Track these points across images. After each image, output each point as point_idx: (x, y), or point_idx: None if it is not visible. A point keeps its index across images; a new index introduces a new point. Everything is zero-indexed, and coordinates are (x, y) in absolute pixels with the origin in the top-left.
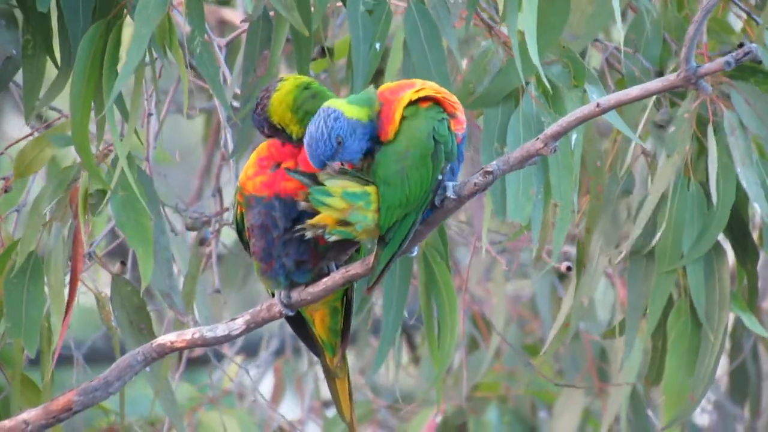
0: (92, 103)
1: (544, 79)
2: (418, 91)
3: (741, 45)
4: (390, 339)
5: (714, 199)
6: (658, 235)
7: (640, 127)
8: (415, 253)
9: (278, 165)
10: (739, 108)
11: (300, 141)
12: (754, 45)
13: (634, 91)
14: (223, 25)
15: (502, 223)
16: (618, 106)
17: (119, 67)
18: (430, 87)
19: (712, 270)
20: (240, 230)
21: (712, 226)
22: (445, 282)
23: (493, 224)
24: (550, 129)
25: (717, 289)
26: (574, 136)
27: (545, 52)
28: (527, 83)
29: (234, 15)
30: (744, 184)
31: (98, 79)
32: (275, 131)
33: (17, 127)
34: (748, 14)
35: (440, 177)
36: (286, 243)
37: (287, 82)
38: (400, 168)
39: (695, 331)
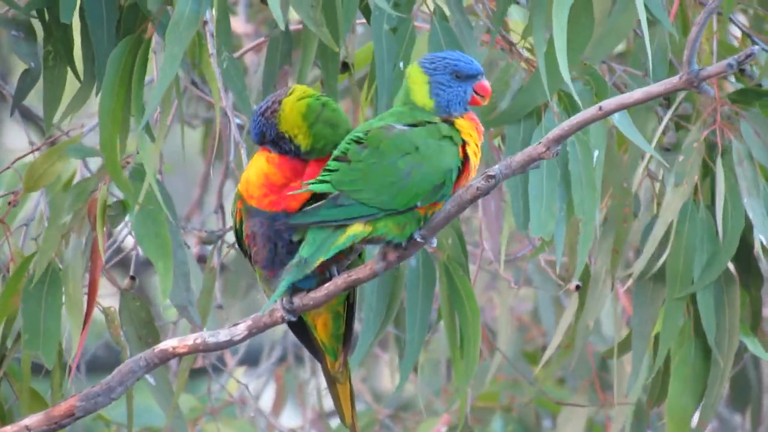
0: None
1: (574, 93)
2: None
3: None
4: (414, 355)
5: (720, 230)
6: (660, 262)
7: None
8: (414, 263)
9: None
10: (748, 139)
11: (307, 153)
12: (755, 47)
13: (636, 93)
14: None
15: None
16: (620, 110)
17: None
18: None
19: (722, 297)
20: (240, 237)
21: (722, 253)
22: (468, 294)
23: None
24: (552, 133)
25: (727, 315)
26: (596, 153)
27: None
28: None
29: (237, 24)
30: (750, 214)
31: (126, 95)
32: (278, 140)
33: (18, 141)
34: (747, 35)
35: (419, 204)
36: (292, 254)
37: (299, 89)
38: (408, 168)
39: (699, 355)
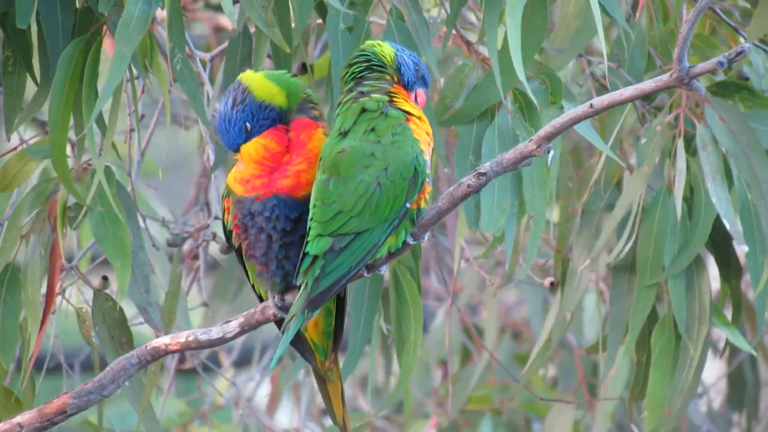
0: (72, 118)
1: (528, 91)
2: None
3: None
4: (356, 356)
5: (678, 214)
6: (627, 247)
7: (612, 139)
8: (383, 271)
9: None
10: (713, 124)
11: (288, 112)
12: (747, 45)
13: (627, 91)
14: (220, 32)
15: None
16: (611, 107)
17: (99, 83)
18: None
19: (693, 284)
20: (230, 236)
21: (694, 240)
22: (413, 298)
23: (482, 239)
24: (543, 130)
25: (697, 302)
26: (551, 153)
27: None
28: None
29: (229, 22)
30: (714, 200)
31: (77, 95)
32: (259, 113)
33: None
34: (735, 29)
35: (408, 205)
36: (287, 246)
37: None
38: (374, 179)
39: (678, 346)
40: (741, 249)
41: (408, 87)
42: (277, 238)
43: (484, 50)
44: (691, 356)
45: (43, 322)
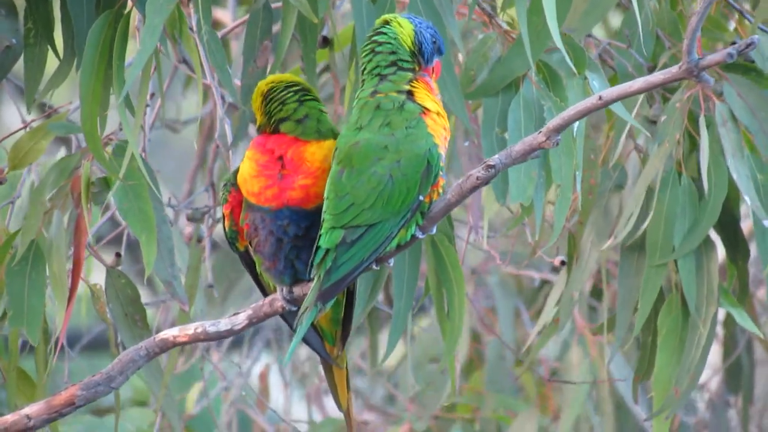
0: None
1: (565, 54)
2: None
3: (733, 43)
4: (401, 325)
5: (706, 188)
6: (644, 226)
7: (634, 111)
8: (391, 264)
9: (280, 158)
10: (731, 100)
11: (260, 128)
12: (756, 37)
13: (636, 83)
14: (216, 25)
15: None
16: (620, 99)
17: (128, 57)
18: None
19: (702, 264)
20: (232, 241)
21: (704, 220)
22: (453, 264)
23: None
24: (552, 122)
25: (706, 282)
26: (576, 125)
27: (546, 41)
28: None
29: (226, 15)
30: (735, 176)
31: (106, 70)
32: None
33: (15, 118)
34: (741, 13)
35: (421, 198)
36: (298, 248)
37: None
38: (386, 171)
39: (686, 326)
40: (748, 228)
41: (427, 62)
42: (288, 241)
43: (504, 24)
44: (699, 335)
45: (70, 299)
